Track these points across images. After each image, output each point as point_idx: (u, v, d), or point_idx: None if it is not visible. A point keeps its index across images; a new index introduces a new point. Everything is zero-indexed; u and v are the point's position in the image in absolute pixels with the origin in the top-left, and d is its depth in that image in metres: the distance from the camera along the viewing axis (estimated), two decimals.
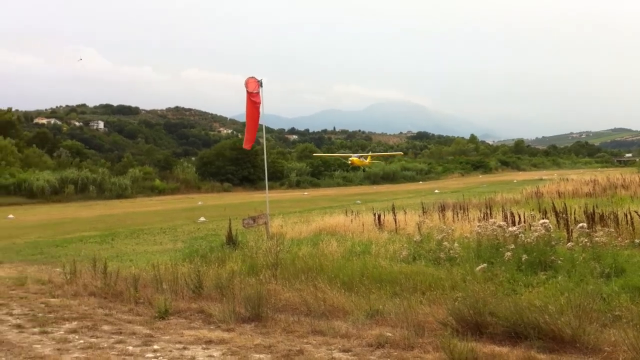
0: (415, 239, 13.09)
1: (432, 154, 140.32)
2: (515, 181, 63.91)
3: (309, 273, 10.53)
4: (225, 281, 10.36)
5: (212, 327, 8.38)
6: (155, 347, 7.47)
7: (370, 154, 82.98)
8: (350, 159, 68.16)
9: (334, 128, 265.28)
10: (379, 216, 17.50)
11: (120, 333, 8.17)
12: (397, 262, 11.22)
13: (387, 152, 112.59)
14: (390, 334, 7.37)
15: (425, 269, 10.49)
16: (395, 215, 17.24)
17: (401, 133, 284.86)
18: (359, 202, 37.01)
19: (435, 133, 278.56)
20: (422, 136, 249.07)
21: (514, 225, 12.54)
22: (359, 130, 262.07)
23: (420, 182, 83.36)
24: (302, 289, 9.67)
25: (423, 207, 19.76)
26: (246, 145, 18.32)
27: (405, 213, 18.74)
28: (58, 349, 7.48)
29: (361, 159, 69.24)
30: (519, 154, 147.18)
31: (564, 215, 13.66)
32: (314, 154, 72.87)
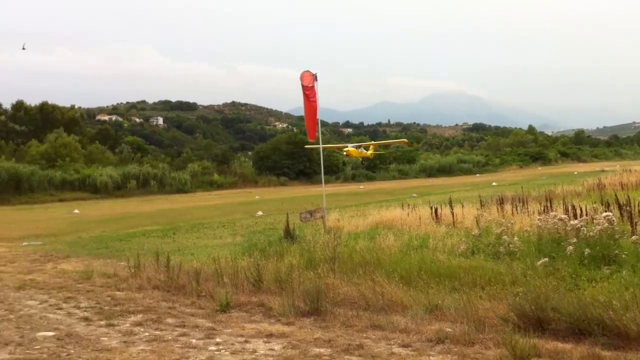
0: (473, 233, 12.96)
1: (489, 146, 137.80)
2: (575, 173, 62.25)
3: (366, 267, 10.58)
4: (284, 275, 10.50)
5: (272, 321, 8.51)
6: (218, 340, 7.65)
7: (372, 142, 70.80)
8: (345, 149, 53.81)
9: (389, 120, 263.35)
10: (436, 210, 17.36)
11: (184, 326, 8.38)
12: (456, 257, 11.14)
13: (443, 144, 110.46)
14: (450, 329, 7.35)
15: (485, 263, 10.39)
16: (452, 209, 17.07)
17: (457, 125, 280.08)
18: (415, 195, 36.77)
19: (492, 124, 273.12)
20: (479, 127, 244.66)
21: (576, 218, 12.28)
22: (414, 123, 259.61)
23: (477, 175, 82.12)
24: (360, 283, 9.72)
25: (481, 200, 19.50)
26: (310, 138, 18.57)
27: (463, 206, 18.51)
28: (124, 342, 7.72)
29: (360, 150, 55.94)
30: (579, 145, 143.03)
31: (627, 208, 13.26)
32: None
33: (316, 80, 16.60)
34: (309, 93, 16.62)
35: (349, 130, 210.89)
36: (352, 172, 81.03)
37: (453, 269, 9.98)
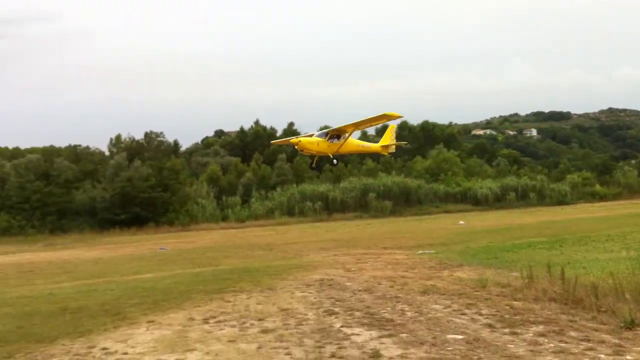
0: None
1: None
2: None
3: None
4: None
5: None
6: (628, 357, 7.45)
7: (355, 122, 25.56)
8: (292, 140, 27.43)
9: None
10: None
11: (588, 340, 8.32)
12: None
13: None
14: None
15: None
16: None
17: None
18: None
19: None
20: None
21: None
22: None
23: None
24: None
25: None
26: None
27: None
28: (531, 351, 7.99)
29: (333, 141, 25.15)
30: None
31: None
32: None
33: None
34: None
35: None
36: None
37: None
